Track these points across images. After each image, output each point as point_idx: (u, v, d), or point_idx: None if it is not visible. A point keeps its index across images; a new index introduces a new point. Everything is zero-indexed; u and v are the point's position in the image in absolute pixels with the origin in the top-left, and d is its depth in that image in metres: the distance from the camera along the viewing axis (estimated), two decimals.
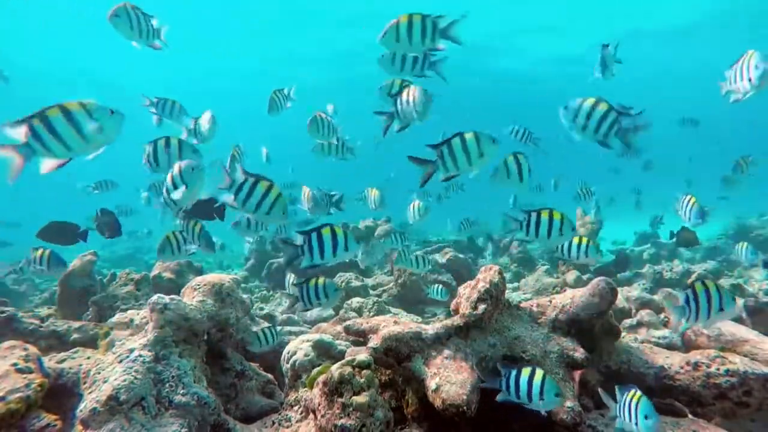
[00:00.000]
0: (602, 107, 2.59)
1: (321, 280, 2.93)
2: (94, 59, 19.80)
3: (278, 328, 3.96)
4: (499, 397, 2.10)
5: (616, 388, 2.05)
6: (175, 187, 2.71)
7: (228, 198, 2.47)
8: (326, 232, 2.42)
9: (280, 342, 3.79)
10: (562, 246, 3.38)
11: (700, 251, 8.85)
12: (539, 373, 2.05)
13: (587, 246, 3.36)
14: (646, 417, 1.90)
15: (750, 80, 2.85)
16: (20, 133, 1.94)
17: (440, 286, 5.03)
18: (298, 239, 2.45)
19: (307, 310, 3.52)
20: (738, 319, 4.13)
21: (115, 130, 2.12)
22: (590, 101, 2.62)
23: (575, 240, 3.36)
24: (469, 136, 2.60)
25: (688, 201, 4.12)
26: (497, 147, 2.66)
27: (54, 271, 3.95)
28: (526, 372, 2.06)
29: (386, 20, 2.89)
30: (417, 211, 4.87)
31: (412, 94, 2.99)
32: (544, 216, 2.74)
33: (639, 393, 1.96)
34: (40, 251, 3.91)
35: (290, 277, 4.73)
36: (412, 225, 4.50)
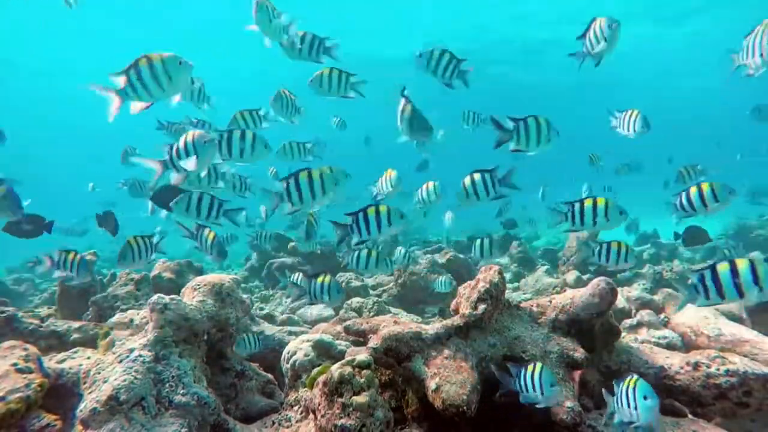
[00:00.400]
0: (446, 56, 3.29)
1: (327, 278, 3.09)
2: (94, 60, 19.82)
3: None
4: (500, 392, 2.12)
5: (614, 382, 2.04)
6: (187, 155, 2.82)
7: (286, 208, 2.76)
8: (371, 212, 2.71)
9: (279, 342, 3.79)
10: (599, 252, 3.32)
11: (700, 251, 8.84)
12: (537, 366, 2.09)
13: (626, 252, 3.26)
14: (645, 398, 1.88)
15: (762, 56, 2.92)
16: (120, 81, 2.47)
17: (444, 278, 4.98)
18: (347, 220, 2.75)
19: (313, 303, 3.66)
20: (738, 319, 4.14)
21: (183, 79, 2.55)
22: (437, 51, 3.22)
23: (613, 246, 3.29)
24: (542, 120, 2.92)
25: (630, 114, 4.03)
26: (558, 137, 2.96)
27: (81, 277, 3.80)
28: (529, 368, 2.11)
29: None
30: (430, 191, 4.53)
31: (599, 25, 3.32)
32: (588, 204, 2.80)
33: (636, 377, 1.96)
34: (71, 255, 3.72)
35: (297, 276, 4.73)
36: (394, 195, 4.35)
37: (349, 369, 2.14)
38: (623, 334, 3.12)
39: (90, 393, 2.32)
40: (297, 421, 2.70)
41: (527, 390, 2.08)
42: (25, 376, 2.60)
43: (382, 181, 4.30)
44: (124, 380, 2.27)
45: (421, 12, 16.98)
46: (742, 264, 2.10)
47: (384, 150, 7.42)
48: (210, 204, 3.21)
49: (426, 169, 6.80)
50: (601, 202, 2.80)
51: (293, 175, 2.78)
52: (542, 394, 2.05)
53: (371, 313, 5.06)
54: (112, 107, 2.49)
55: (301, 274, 4.71)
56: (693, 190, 2.98)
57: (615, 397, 2.00)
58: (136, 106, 2.54)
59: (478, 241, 4.47)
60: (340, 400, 2.07)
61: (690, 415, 2.54)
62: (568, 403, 2.18)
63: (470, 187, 3.04)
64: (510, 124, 2.95)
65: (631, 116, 3.91)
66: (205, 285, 3.12)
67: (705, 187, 2.93)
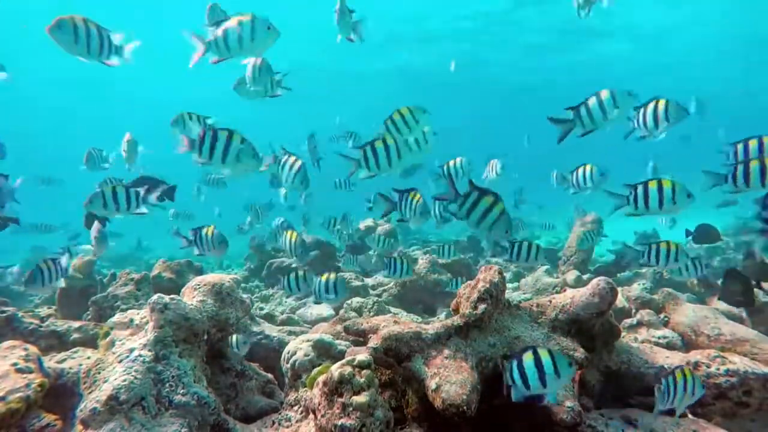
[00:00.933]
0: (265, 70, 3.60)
1: (333, 275, 3.21)
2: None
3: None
4: (513, 395, 2.04)
5: (662, 377, 2.14)
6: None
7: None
8: (413, 195, 3.12)
9: (279, 342, 3.79)
10: (649, 253, 3.24)
11: (700, 250, 8.83)
12: (544, 353, 2.00)
13: (677, 252, 3.17)
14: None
15: (657, 126, 3.19)
16: (211, 32, 2.79)
17: (459, 279, 4.95)
18: (395, 196, 3.11)
19: (318, 303, 3.79)
20: (738, 319, 4.13)
21: (266, 44, 2.76)
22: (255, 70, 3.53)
23: (663, 246, 3.19)
24: (604, 94, 2.97)
25: (584, 169, 3.98)
26: (634, 99, 2.99)
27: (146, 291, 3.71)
28: (528, 357, 2.00)
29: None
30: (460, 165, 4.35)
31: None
32: (653, 186, 2.70)
33: (685, 371, 2.09)
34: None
35: (301, 273, 4.71)
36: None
37: (349, 369, 2.14)
38: (623, 334, 3.12)
39: (90, 393, 2.32)
40: (297, 421, 2.70)
41: (527, 384, 1.96)
42: (25, 376, 2.60)
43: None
44: (124, 380, 2.27)
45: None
46: (666, 183, 2.64)
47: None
48: (127, 195, 3.16)
49: (412, 175, 6.83)
50: (667, 184, 2.65)
51: (370, 143, 2.98)
52: (546, 385, 1.94)
53: (371, 313, 5.06)
54: (195, 55, 2.79)
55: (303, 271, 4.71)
56: (652, 185, 2.73)
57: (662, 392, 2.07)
58: (214, 58, 2.83)
59: (524, 245, 4.09)
60: (340, 399, 2.07)
61: (690, 415, 2.54)
62: (568, 403, 2.18)
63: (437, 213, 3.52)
64: (568, 114, 3.04)
65: (656, 107, 3.38)
66: (205, 285, 3.12)
67: (666, 184, 2.69)
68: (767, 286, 4.07)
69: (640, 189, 2.73)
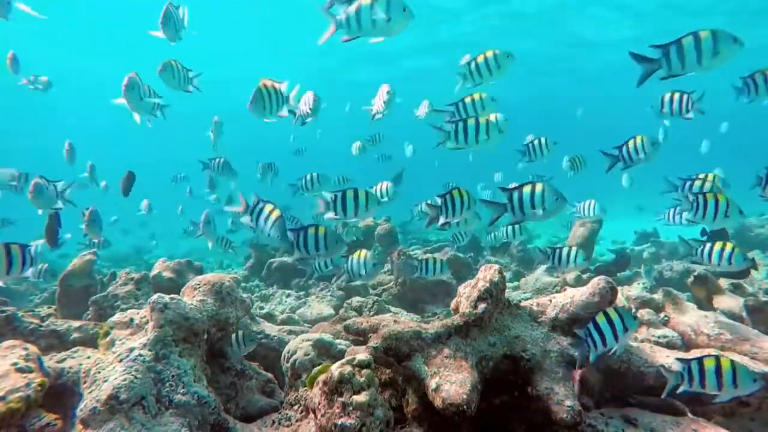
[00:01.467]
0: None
1: (363, 253, 3.37)
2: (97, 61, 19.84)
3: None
4: (592, 357, 2.30)
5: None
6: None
7: (245, 219, 2.91)
8: (456, 193, 3.21)
9: (279, 341, 3.78)
10: (702, 251, 3.19)
11: None
12: (612, 312, 2.31)
13: (731, 252, 3.09)
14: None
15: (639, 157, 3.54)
16: (342, 10, 2.65)
17: (435, 260, 4.61)
18: (437, 201, 3.21)
19: (351, 281, 3.95)
20: (738, 319, 4.14)
21: (401, 25, 2.63)
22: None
23: (717, 246, 3.14)
24: (704, 33, 2.66)
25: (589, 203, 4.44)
26: (740, 46, 2.67)
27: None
28: (601, 318, 2.34)
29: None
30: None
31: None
32: (710, 199, 2.92)
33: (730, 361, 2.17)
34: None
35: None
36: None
37: (349, 368, 2.14)
38: None
39: (90, 392, 2.32)
40: (297, 420, 2.70)
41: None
42: (25, 375, 2.60)
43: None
44: (125, 379, 2.27)
45: None
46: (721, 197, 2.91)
47: (366, 162, 7.55)
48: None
49: (400, 182, 6.88)
50: (722, 198, 2.84)
51: (342, 191, 3.15)
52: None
53: (371, 313, 5.06)
54: (326, 33, 2.73)
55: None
56: (526, 189, 2.75)
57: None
58: (346, 37, 2.75)
59: (565, 251, 4.09)
60: (340, 399, 2.07)
61: (690, 414, 2.54)
62: (568, 402, 2.18)
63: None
64: (656, 53, 2.76)
65: (681, 100, 3.58)
66: (205, 284, 3.12)
67: (537, 188, 2.73)
68: None
69: (701, 199, 2.91)
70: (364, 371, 2.15)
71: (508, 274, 7.32)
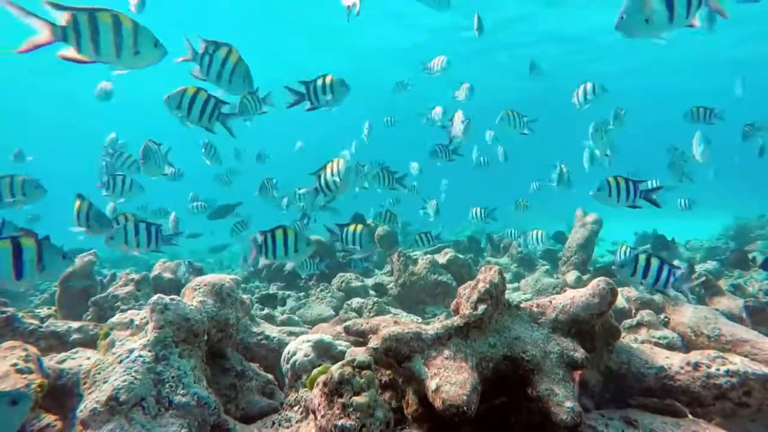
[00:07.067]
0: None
1: (359, 227, 3.41)
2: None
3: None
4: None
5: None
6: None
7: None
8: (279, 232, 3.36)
9: (279, 342, 3.78)
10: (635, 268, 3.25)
11: (700, 251, 8.84)
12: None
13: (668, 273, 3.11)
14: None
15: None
16: (61, 16, 2.10)
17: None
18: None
19: (347, 251, 4.00)
20: (738, 319, 4.14)
21: (150, 61, 2.27)
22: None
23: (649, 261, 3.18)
24: (329, 77, 3.41)
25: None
26: (347, 90, 3.45)
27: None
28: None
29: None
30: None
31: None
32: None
33: None
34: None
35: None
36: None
37: (349, 369, 2.14)
38: (623, 335, 3.12)
39: (90, 393, 2.32)
40: (297, 422, 2.70)
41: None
42: (25, 376, 2.60)
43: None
44: (124, 380, 2.27)
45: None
46: None
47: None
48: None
49: (403, 186, 6.99)
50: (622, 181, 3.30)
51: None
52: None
53: (371, 314, 5.06)
54: (33, 42, 2.15)
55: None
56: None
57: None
58: (68, 53, 2.25)
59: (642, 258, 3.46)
60: (340, 400, 2.07)
61: (690, 416, 2.54)
62: (568, 403, 2.18)
63: None
64: (301, 87, 3.60)
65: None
66: (205, 285, 3.12)
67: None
68: None
69: None
70: (364, 372, 2.15)
71: (508, 275, 7.32)
